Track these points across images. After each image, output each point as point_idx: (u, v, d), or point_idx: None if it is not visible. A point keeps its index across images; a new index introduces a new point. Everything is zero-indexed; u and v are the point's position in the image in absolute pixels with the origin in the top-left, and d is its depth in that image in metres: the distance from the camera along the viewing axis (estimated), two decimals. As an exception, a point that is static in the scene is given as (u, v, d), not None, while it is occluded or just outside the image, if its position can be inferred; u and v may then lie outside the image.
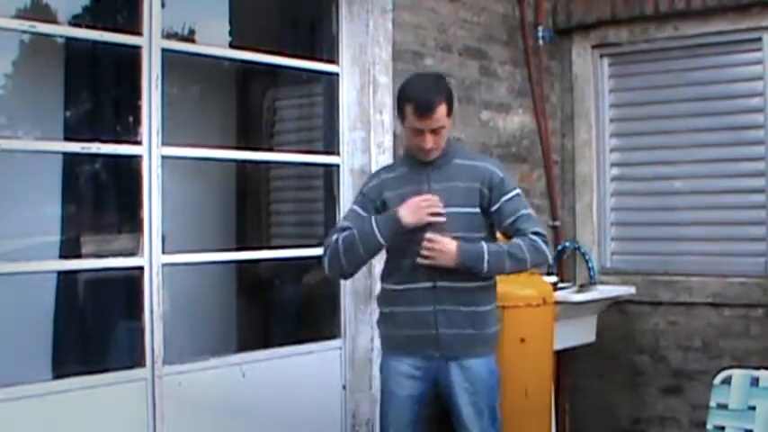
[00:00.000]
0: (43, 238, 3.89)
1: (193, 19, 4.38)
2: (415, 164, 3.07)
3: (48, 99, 3.97)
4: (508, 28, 4.77)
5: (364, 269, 3.92)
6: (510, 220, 3.00)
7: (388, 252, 3.10)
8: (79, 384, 3.14)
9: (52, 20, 3.80)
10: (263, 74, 4.59)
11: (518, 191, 3.08)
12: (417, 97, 2.93)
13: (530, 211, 3.06)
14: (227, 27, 4.65)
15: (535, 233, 2.99)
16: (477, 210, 3.01)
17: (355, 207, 3.13)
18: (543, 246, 2.99)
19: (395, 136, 4.07)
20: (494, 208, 3.02)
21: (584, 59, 5.08)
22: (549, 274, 4.53)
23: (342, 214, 4.02)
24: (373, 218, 3.00)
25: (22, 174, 3.66)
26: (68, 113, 4.06)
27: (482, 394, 3.03)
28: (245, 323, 4.72)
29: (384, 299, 3.14)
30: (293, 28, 4.44)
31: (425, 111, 2.90)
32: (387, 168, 3.26)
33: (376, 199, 3.08)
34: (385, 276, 3.14)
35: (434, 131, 2.94)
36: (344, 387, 3.99)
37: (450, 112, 2.98)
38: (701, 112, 4.78)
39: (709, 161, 4.76)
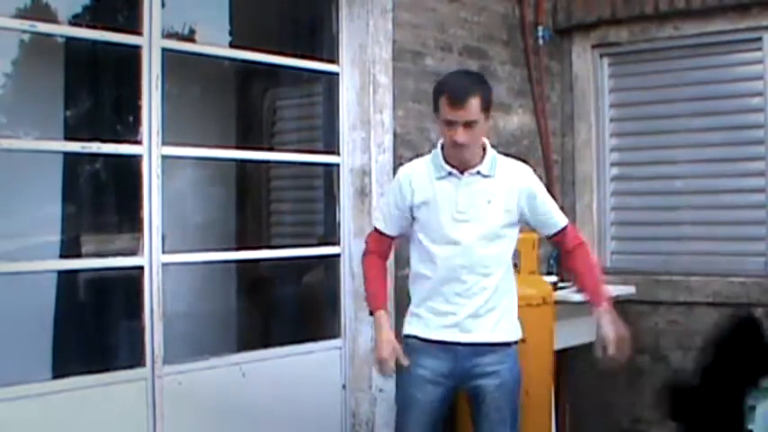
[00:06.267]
0: (43, 237, 3.89)
1: (193, 19, 4.37)
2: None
3: (48, 99, 3.97)
4: (508, 28, 4.77)
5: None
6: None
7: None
8: (79, 384, 3.14)
9: (52, 19, 3.79)
10: (263, 74, 4.59)
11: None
12: (451, 87, 2.93)
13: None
14: (227, 27, 4.65)
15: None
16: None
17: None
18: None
19: (395, 136, 4.07)
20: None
21: (584, 59, 5.08)
22: (548, 273, 4.53)
23: (342, 214, 4.03)
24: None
25: (23, 174, 3.66)
26: (68, 113, 4.06)
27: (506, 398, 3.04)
28: (245, 323, 4.72)
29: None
30: (293, 28, 4.44)
31: (458, 101, 2.87)
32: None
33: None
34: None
35: (468, 125, 2.89)
36: (344, 387, 3.99)
37: (486, 108, 2.92)
38: (701, 112, 4.78)
39: (709, 161, 4.77)
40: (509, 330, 3.08)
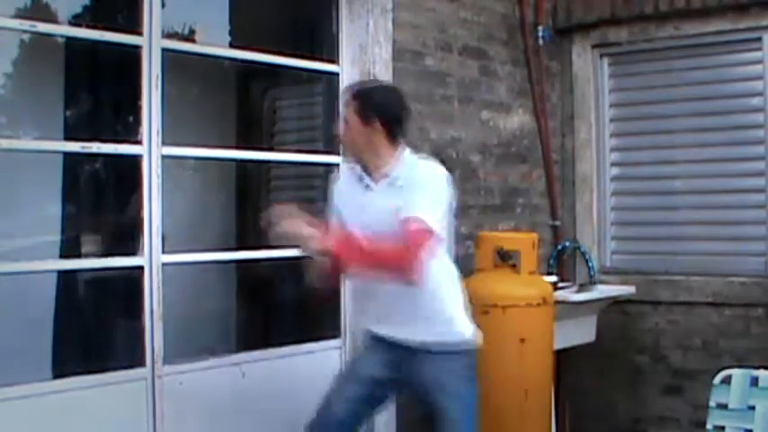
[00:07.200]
0: (43, 237, 3.89)
1: (193, 19, 4.37)
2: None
3: (48, 99, 3.98)
4: (508, 28, 4.77)
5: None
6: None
7: None
8: (79, 384, 3.14)
9: (52, 19, 3.79)
10: (263, 74, 4.59)
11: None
12: None
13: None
14: (227, 27, 4.64)
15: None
16: None
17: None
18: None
19: (395, 136, 4.06)
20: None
21: (584, 59, 5.08)
22: (549, 273, 4.53)
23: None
24: None
25: (23, 174, 3.66)
26: (68, 113, 4.06)
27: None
28: (244, 323, 4.71)
29: None
30: (293, 28, 4.44)
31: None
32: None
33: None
34: None
35: (344, 121, 2.96)
36: (344, 387, 3.99)
37: (361, 114, 2.88)
38: (701, 112, 4.78)
39: (709, 161, 4.77)
40: (441, 332, 2.93)
